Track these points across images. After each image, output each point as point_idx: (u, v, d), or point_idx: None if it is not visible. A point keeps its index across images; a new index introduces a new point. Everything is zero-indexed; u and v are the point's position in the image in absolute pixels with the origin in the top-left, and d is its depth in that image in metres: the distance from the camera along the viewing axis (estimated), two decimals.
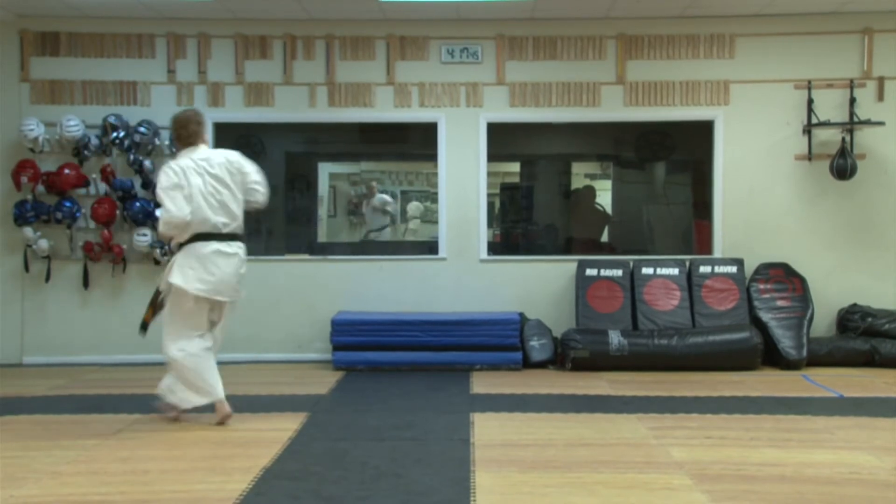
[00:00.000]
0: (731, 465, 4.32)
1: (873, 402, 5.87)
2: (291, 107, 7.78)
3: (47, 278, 7.64)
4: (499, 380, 6.74)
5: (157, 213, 5.60)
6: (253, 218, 8.88)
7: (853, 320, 7.44)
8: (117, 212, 7.56)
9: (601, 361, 7.02)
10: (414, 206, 10.20)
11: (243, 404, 5.86)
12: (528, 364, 7.21)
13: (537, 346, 7.28)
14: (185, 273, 5.08)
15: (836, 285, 7.67)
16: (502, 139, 8.12)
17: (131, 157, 7.49)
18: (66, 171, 7.46)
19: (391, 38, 7.76)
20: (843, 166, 7.45)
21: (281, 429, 5.10)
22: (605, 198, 9.62)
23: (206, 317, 5.27)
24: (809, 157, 7.70)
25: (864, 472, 4.21)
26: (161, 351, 5.31)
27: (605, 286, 7.59)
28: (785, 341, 7.21)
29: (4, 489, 3.95)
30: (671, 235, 8.97)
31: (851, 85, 7.63)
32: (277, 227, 9.20)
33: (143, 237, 7.52)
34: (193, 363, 5.17)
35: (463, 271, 7.78)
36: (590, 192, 9.41)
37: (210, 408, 5.76)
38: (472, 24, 7.73)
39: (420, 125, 8.06)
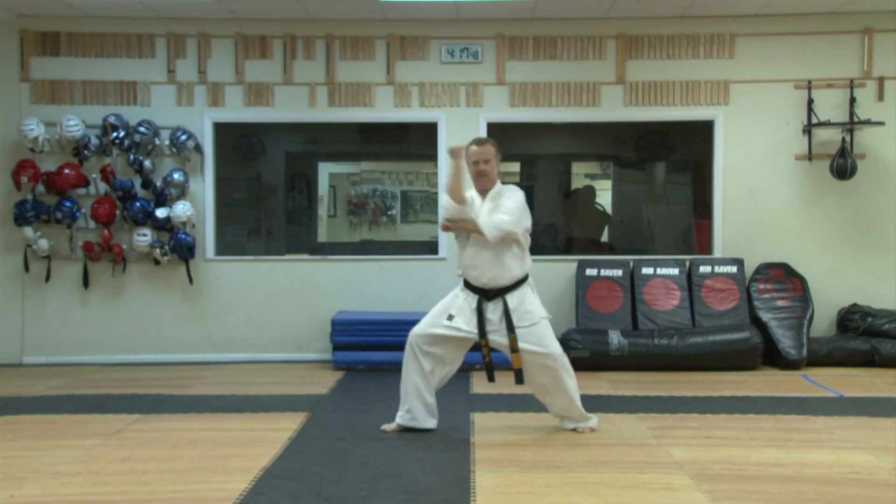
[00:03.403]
0: (731, 465, 4.32)
1: (873, 402, 5.87)
2: (291, 107, 7.78)
3: (47, 278, 7.64)
4: (499, 380, 6.69)
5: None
6: (253, 218, 9.01)
7: (853, 320, 7.44)
8: (117, 212, 7.56)
9: (601, 361, 7.02)
10: None
11: (243, 404, 5.87)
12: None
13: None
14: None
15: (836, 285, 7.66)
16: (502, 139, 7.97)
17: (131, 157, 7.48)
18: (66, 171, 7.46)
19: (391, 38, 7.76)
20: (843, 166, 7.45)
21: (281, 429, 5.10)
22: (605, 198, 9.62)
23: None
24: (809, 157, 7.70)
25: (864, 472, 4.21)
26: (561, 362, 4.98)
27: (605, 286, 7.59)
28: (785, 341, 7.21)
29: (4, 489, 3.95)
30: (671, 235, 8.97)
31: (851, 85, 7.63)
32: (277, 227, 9.21)
33: (143, 237, 7.52)
34: None
35: None
36: (590, 191, 9.40)
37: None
38: (472, 24, 7.72)
39: (420, 125, 8.07)
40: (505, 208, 4.84)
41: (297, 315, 7.73)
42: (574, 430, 5.01)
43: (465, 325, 4.89)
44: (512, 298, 4.87)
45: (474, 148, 4.98)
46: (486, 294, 4.88)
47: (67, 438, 4.93)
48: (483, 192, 4.96)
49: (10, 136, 7.58)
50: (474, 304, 4.89)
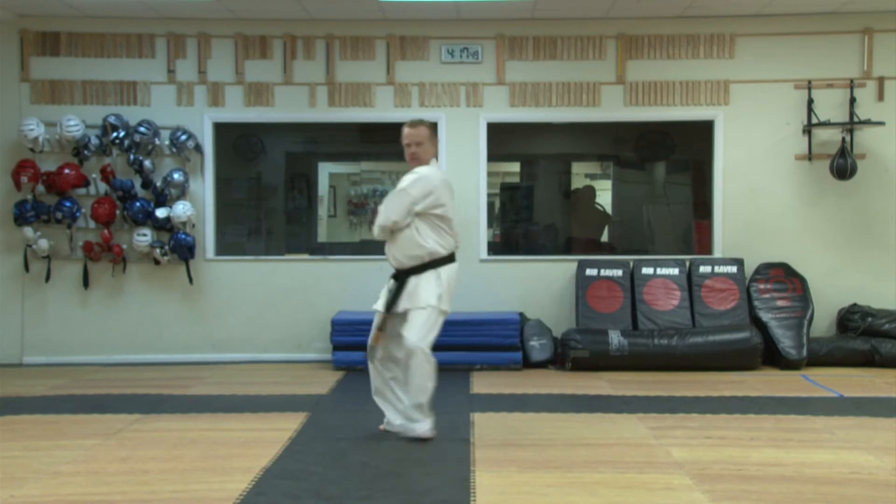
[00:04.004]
0: (731, 465, 4.33)
1: (873, 402, 5.87)
2: (291, 107, 7.78)
3: (47, 278, 7.64)
4: (499, 380, 6.73)
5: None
6: (253, 218, 9.00)
7: (853, 320, 7.44)
8: (117, 212, 7.57)
9: (601, 361, 7.02)
10: None
11: (243, 404, 5.88)
12: (528, 364, 7.21)
13: (537, 346, 7.28)
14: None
15: (836, 285, 7.66)
16: (502, 139, 8.12)
17: (131, 157, 7.48)
18: (66, 171, 7.46)
19: (391, 37, 7.76)
20: (843, 166, 7.45)
21: (281, 429, 5.10)
22: (605, 198, 9.62)
23: None
24: (809, 157, 7.70)
25: (864, 472, 4.22)
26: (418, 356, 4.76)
27: (605, 286, 7.59)
28: (785, 341, 7.21)
29: (4, 489, 3.95)
30: (671, 235, 8.97)
31: (851, 85, 7.63)
32: (277, 227, 9.21)
33: (143, 237, 7.52)
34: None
35: (463, 271, 7.70)
36: (590, 191, 9.41)
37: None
38: (472, 24, 7.72)
39: None
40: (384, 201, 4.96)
41: (297, 315, 7.73)
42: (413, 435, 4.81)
43: (382, 305, 4.95)
44: (411, 280, 4.86)
45: (407, 129, 4.97)
46: (396, 275, 4.94)
47: (67, 438, 4.93)
48: None
49: (10, 136, 7.58)
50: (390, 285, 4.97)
